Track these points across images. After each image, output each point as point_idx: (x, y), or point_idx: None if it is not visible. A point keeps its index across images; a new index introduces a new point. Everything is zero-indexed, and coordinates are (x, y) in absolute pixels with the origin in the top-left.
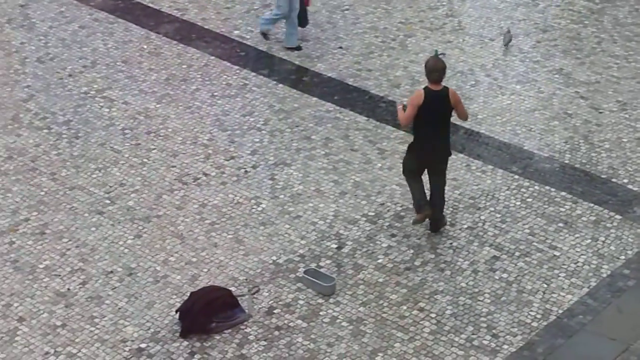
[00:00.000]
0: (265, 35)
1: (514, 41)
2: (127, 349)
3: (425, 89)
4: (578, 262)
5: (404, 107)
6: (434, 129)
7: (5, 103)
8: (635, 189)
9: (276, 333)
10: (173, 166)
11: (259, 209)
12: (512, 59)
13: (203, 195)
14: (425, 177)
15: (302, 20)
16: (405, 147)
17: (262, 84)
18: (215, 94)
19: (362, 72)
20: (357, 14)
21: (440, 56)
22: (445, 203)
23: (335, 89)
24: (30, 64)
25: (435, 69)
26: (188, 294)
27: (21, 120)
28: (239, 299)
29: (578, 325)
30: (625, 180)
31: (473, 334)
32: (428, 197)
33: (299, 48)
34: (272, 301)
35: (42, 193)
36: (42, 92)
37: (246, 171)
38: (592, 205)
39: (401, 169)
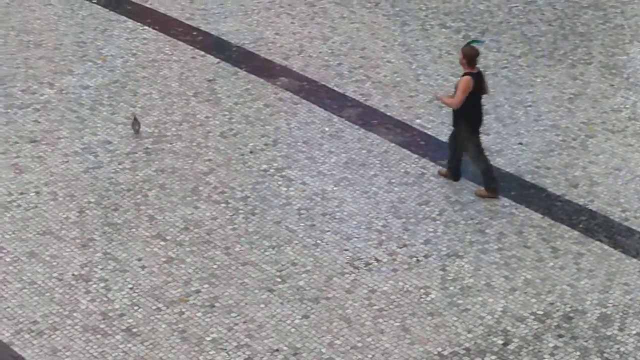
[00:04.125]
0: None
1: None
2: None
3: (470, 74)
4: None
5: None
6: (480, 103)
7: (187, 175)
8: None
9: None
10: (346, 249)
11: (428, 298)
12: None
13: (373, 281)
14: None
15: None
16: (579, 248)
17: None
18: (393, 180)
19: (540, 169)
20: (539, 111)
21: (475, 44)
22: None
23: (513, 185)
24: (213, 138)
25: (476, 55)
26: None
27: (200, 192)
28: None
29: None
30: None
31: None
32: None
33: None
34: None
35: (215, 266)
36: (223, 166)
37: (418, 260)
38: None
39: (472, 156)
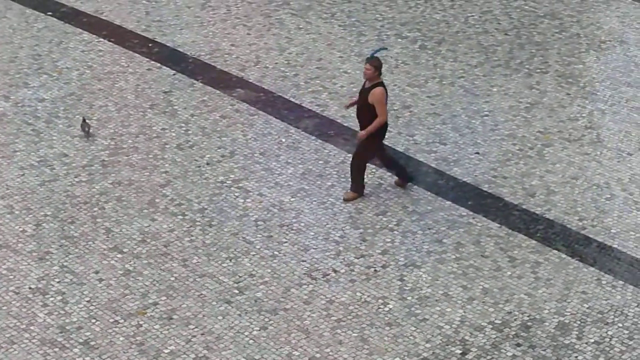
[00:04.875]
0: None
1: None
2: None
3: (382, 84)
4: None
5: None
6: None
7: (143, 187)
8: None
9: None
10: (303, 260)
11: (386, 309)
12: None
13: (331, 292)
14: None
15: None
16: (536, 257)
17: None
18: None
19: (497, 178)
20: (496, 120)
21: (379, 53)
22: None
23: (470, 194)
24: (170, 150)
25: (381, 65)
26: None
27: (157, 205)
28: None
29: None
30: None
31: None
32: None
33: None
34: None
35: (172, 278)
36: (180, 178)
37: (376, 270)
38: None
39: (359, 163)
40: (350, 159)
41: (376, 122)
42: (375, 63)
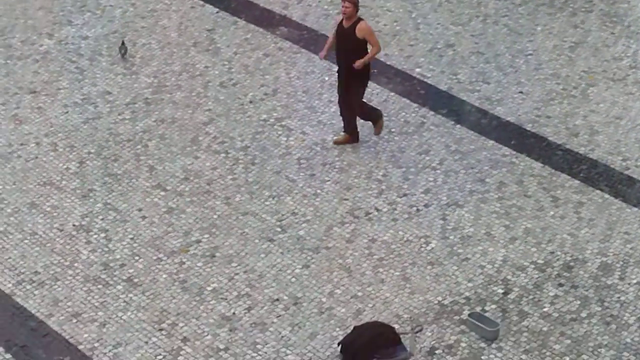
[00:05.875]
0: None
1: None
2: None
3: (363, 18)
4: None
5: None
6: None
7: (186, 125)
8: None
9: None
10: (346, 199)
11: (428, 248)
12: None
13: (373, 231)
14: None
15: None
16: (579, 197)
17: (440, 123)
18: (393, 130)
19: (541, 118)
20: (540, 60)
21: None
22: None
23: (513, 134)
24: (212, 88)
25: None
26: (352, 328)
27: (200, 142)
28: (401, 336)
29: None
30: None
31: None
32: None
33: None
34: (434, 341)
35: (215, 216)
36: (223, 116)
37: (418, 209)
38: None
39: (360, 105)
40: (352, 108)
41: (373, 50)
42: (353, 0)
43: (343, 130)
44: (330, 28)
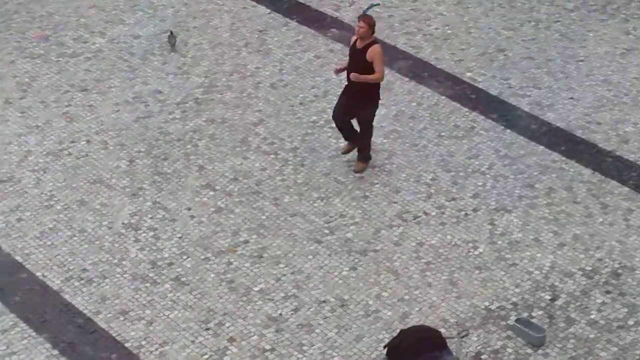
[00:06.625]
0: None
1: None
2: None
3: (377, 41)
4: None
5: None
6: None
7: (236, 125)
8: None
9: None
10: (394, 202)
11: (476, 252)
12: None
13: (421, 234)
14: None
15: None
16: (629, 204)
17: (490, 128)
18: (443, 134)
19: (591, 124)
20: (591, 66)
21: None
22: None
23: (563, 140)
24: (263, 88)
25: (375, 23)
26: (398, 331)
27: (250, 143)
28: (447, 340)
29: None
30: None
31: None
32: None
33: None
34: (480, 346)
35: (264, 217)
36: (273, 117)
37: (466, 214)
38: None
39: (371, 125)
40: (362, 135)
41: (375, 75)
42: (368, 20)
43: (345, 139)
44: (381, 31)
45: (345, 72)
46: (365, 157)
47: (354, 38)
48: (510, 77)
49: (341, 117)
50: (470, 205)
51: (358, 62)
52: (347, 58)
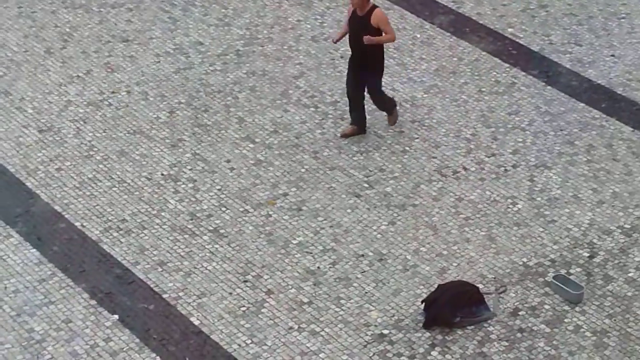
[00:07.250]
0: None
1: None
2: (369, 333)
3: (378, 7)
4: None
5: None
6: None
7: (277, 78)
8: None
9: (518, 335)
10: (434, 157)
11: (515, 209)
12: None
13: (460, 189)
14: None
15: None
16: None
17: (531, 84)
18: (483, 89)
19: (632, 82)
20: (633, 24)
21: None
22: None
23: (604, 97)
24: (304, 41)
25: None
26: (435, 286)
27: (290, 96)
28: (485, 296)
29: None
30: None
31: None
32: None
33: None
34: (518, 302)
35: (303, 170)
36: (313, 70)
37: (506, 170)
38: None
39: (381, 92)
40: (375, 102)
41: (387, 36)
42: None
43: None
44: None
45: (349, 45)
46: (388, 108)
47: (350, 9)
48: (552, 34)
49: (354, 88)
50: (510, 161)
51: (363, 30)
52: (345, 30)
